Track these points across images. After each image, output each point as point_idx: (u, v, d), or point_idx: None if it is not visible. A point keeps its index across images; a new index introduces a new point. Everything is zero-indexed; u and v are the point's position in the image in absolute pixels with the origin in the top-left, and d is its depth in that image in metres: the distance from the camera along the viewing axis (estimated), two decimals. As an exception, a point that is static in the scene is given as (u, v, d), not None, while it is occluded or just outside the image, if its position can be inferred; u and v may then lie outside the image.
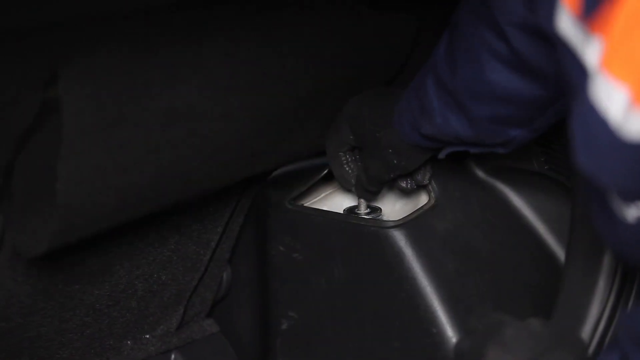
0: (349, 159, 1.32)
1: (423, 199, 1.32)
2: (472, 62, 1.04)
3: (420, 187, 1.31)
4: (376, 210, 1.34)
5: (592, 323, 1.05)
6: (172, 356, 1.44)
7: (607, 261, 1.06)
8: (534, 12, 0.90)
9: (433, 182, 1.30)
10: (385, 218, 1.33)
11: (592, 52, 0.67)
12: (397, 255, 1.23)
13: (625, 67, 0.62)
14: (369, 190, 1.30)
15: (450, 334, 1.20)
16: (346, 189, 1.36)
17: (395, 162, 1.23)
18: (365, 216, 1.32)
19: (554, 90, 1.02)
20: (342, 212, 1.35)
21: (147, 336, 1.41)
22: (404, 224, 1.25)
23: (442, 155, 1.20)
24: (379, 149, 1.24)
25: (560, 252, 1.28)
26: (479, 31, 1.02)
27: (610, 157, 0.67)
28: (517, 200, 1.33)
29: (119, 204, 1.11)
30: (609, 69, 0.64)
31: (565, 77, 0.75)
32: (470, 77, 1.05)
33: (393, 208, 1.37)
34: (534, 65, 0.99)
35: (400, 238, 1.24)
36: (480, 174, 1.34)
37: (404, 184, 1.29)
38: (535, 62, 0.99)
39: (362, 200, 1.33)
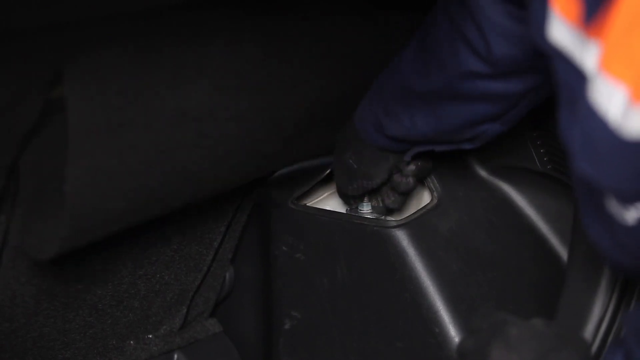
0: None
1: (426, 199, 1.32)
2: (447, 69, 1.04)
3: (423, 187, 1.31)
4: (379, 209, 1.34)
5: (594, 322, 1.05)
6: (175, 356, 1.44)
7: (609, 261, 1.06)
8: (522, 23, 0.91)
9: (435, 181, 1.30)
10: (388, 217, 1.33)
11: (590, 56, 0.67)
12: (400, 255, 1.23)
13: (624, 65, 0.63)
14: (347, 201, 1.33)
15: (453, 333, 1.20)
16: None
17: (355, 166, 1.23)
18: (368, 215, 1.32)
19: (529, 84, 1.03)
20: (344, 211, 1.35)
21: (150, 336, 1.41)
22: (406, 224, 1.25)
23: (407, 157, 1.21)
24: (340, 155, 1.26)
25: (563, 252, 1.28)
26: (456, 39, 1.02)
27: (610, 159, 0.67)
28: (520, 200, 1.32)
29: (128, 206, 1.10)
30: (608, 69, 0.64)
31: (560, 86, 0.75)
32: (445, 82, 1.06)
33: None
34: (513, 68, 1.00)
35: (403, 237, 1.24)
36: (483, 173, 1.34)
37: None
38: (515, 65, 0.99)
39: (364, 199, 1.32)
